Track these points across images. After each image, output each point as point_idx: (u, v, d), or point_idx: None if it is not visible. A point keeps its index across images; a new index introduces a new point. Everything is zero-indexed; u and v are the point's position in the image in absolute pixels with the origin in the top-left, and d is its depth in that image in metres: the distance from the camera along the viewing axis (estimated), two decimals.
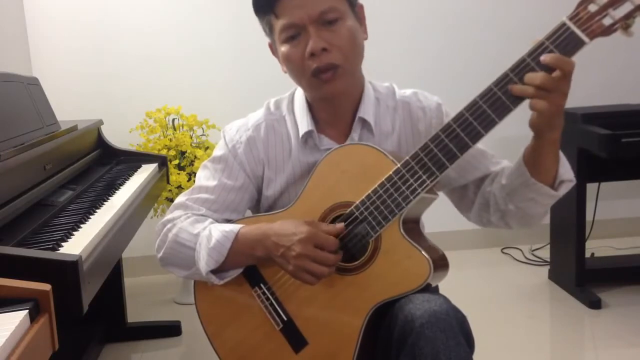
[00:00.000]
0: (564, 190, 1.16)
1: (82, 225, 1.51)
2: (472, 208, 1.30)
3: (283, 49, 1.21)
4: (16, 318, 0.82)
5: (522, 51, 1.05)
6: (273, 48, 1.28)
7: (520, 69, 1.04)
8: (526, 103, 1.06)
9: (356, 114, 1.27)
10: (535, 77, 1.02)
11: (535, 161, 1.13)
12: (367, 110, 1.27)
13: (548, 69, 1.02)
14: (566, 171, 1.16)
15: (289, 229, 1.16)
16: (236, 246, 1.19)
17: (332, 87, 1.20)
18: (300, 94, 1.31)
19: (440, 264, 1.14)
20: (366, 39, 1.25)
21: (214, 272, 1.22)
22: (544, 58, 1.02)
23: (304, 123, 1.28)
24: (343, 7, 1.19)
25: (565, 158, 1.17)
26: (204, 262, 1.20)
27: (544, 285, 2.77)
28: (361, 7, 1.26)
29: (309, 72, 1.19)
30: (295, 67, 1.21)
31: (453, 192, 1.34)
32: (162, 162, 2.40)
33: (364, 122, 1.27)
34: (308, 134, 1.28)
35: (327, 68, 1.18)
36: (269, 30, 1.25)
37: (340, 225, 1.17)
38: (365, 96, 1.28)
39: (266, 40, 1.29)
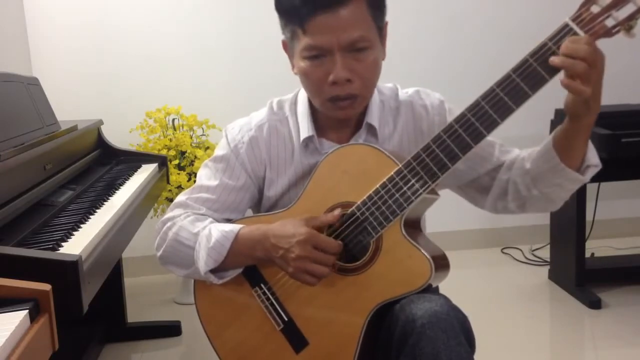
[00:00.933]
0: (590, 174, 1.16)
1: (82, 225, 1.51)
2: (486, 198, 1.29)
3: (303, 64, 1.19)
4: (16, 318, 0.82)
5: (522, 51, 1.05)
6: (287, 47, 1.25)
7: (522, 70, 1.04)
8: (527, 103, 1.05)
9: (361, 118, 1.27)
10: (580, 48, 0.98)
11: (566, 146, 1.12)
12: (373, 116, 1.27)
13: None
14: (593, 156, 1.16)
15: (288, 231, 1.15)
16: (236, 246, 1.19)
17: (346, 114, 1.21)
18: (303, 97, 1.30)
19: (441, 264, 1.14)
20: (384, 58, 1.23)
21: (213, 271, 1.22)
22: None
23: (305, 128, 1.27)
24: (372, 36, 1.16)
25: (591, 143, 1.15)
26: (203, 262, 1.20)
27: (544, 285, 2.77)
28: (386, 25, 1.23)
29: (326, 95, 1.18)
30: (313, 87, 1.20)
31: (464, 187, 1.32)
32: (162, 162, 2.40)
33: (370, 127, 1.27)
34: (308, 139, 1.27)
35: (346, 97, 1.17)
36: (290, 37, 1.21)
37: (337, 212, 1.16)
38: (371, 102, 1.27)
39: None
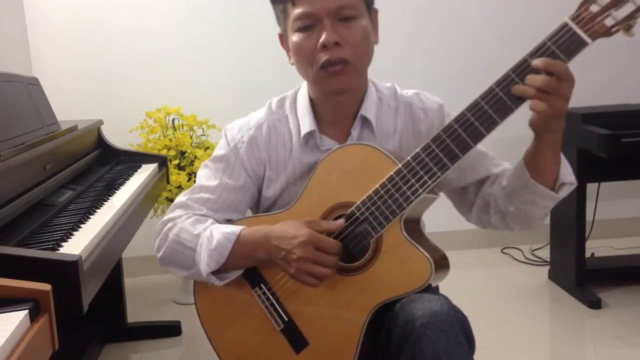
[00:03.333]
0: (564, 192, 1.16)
1: (82, 225, 1.51)
2: (472, 209, 1.30)
3: (295, 38, 1.21)
4: (16, 318, 0.82)
5: (522, 52, 1.05)
6: (283, 38, 1.27)
7: (522, 69, 1.04)
8: (526, 103, 1.05)
9: (358, 112, 1.27)
10: (537, 79, 1.02)
11: (535, 162, 1.13)
12: (369, 109, 1.27)
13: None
14: (567, 173, 1.16)
15: (289, 232, 1.15)
16: (237, 248, 1.19)
17: (339, 81, 1.20)
18: (303, 92, 1.31)
19: (441, 264, 1.14)
20: (377, 43, 1.25)
21: (215, 273, 1.22)
22: (535, 62, 1.02)
23: (306, 123, 1.28)
24: (360, 7, 1.20)
25: (566, 160, 1.16)
26: (204, 263, 1.20)
27: (544, 285, 2.77)
28: (376, 12, 1.26)
29: (318, 63, 1.19)
30: (305, 58, 1.21)
31: (453, 193, 1.34)
32: (162, 162, 2.40)
33: (365, 121, 1.27)
34: (309, 134, 1.27)
35: (337, 62, 1.18)
36: (283, 17, 1.24)
37: (340, 221, 1.17)
38: (367, 95, 1.28)
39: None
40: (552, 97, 1.02)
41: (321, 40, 1.17)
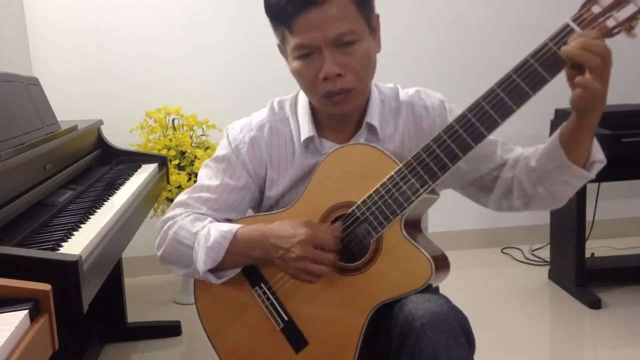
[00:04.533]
0: (595, 170, 1.16)
1: (82, 225, 1.51)
2: (490, 197, 1.29)
3: (295, 64, 1.19)
4: (16, 318, 0.82)
5: (524, 52, 1.05)
6: (282, 50, 1.25)
7: (523, 70, 1.04)
8: (527, 104, 1.05)
9: (361, 119, 1.27)
10: (594, 58, 0.98)
11: (573, 143, 1.11)
12: (373, 115, 1.26)
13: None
14: (598, 151, 1.15)
15: (287, 231, 1.15)
16: (234, 246, 1.19)
17: (343, 108, 1.20)
18: (304, 97, 1.30)
19: (442, 264, 1.14)
20: (379, 51, 1.23)
21: (212, 271, 1.22)
22: (590, 33, 0.98)
23: (306, 128, 1.27)
24: (360, 29, 1.16)
25: (595, 138, 1.15)
26: (201, 261, 1.20)
27: (544, 285, 2.77)
28: (377, 17, 1.23)
29: (320, 92, 1.18)
30: (307, 85, 1.20)
31: (468, 185, 1.32)
32: (162, 162, 2.40)
33: (370, 127, 1.27)
34: (309, 140, 1.27)
35: (340, 92, 1.17)
36: (281, 39, 1.22)
37: (337, 226, 1.17)
38: (371, 101, 1.27)
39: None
40: (605, 75, 1.00)
41: (322, 72, 1.15)
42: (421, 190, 1.11)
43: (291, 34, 1.16)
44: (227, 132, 1.33)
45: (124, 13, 2.95)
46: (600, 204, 2.87)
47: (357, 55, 1.16)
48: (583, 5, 1.01)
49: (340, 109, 1.20)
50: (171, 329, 2.47)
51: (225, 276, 1.22)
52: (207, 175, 1.32)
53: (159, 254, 1.28)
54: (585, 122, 1.09)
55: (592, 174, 1.15)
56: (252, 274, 1.23)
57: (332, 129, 1.29)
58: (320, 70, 1.15)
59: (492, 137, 1.23)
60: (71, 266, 1.18)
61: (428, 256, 1.09)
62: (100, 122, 2.41)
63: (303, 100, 1.31)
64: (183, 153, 2.67)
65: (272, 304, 1.21)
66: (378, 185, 1.14)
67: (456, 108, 1.16)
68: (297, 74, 1.20)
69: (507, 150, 1.28)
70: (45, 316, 0.88)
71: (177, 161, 2.63)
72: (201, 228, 1.23)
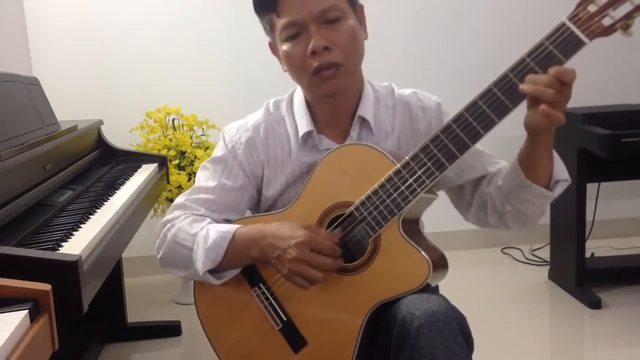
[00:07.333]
0: (559, 190, 1.16)
1: (82, 225, 1.51)
2: (469, 209, 1.31)
3: (284, 47, 1.21)
4: (16, 318, 0.82)
5: (521, 51, 1.05)
6: (273, 47, 1.28)
7: (520, 69, 1.04)
8: (524, 103, 1.06)
9: (355, 114, 1.27)
10: (547, 91, 1.00)
11: (529, 162, 1.13)
12: (366, 109, 1.27)
13: (547, 69, 1.02)
14: (561, 171, 1.16)
15: (286, 232, 1.16)
16: (233, 246, 1.19)
17: (333, 84, 1.20)
18: (299, 94, 1.31)
19: (440, 264, 1.14)
20: (366, 38, 1.25)
21: (212, 272, 1.22)
22: (551, 71, 1.00)
23: (304, 123, 1.28)
24: (344, 6, 1.20)
25: (559, 158, 1.16)
26: (200, 263, 1.20)
27: (544, 285, 2.78)
28: (361, 7, 1.26)
29: (310, 70, 1.19)
30: (296, 66, 1.21)
31: (451, 192, 1.34)
32: (162, 162, 2.40)
33: (363, 121, 1.27)
34: (307, 135, 1.28)
35: (328, 66, 1.18)
36: (270, 29, 1.24)
37: (336, 232, 1.17)
38: (364, 95, 1.28)
39: (266, 39, 1.29)
40: (563, 103, 1.02)
41: (310, 46, 1.17)
42: (419, 190, 1.11)
43: (278, 16, 1.19)
44: (224, 134, 1.34)
45: (124, 13, 2.95)
46: (600, 204, 2.87)
47: (343, 31, 1.18)
48: (579, 4, 1.01)
49: (330, 85, 1.20)
50: (171, 329, 2.47)
51: (224, 277, 1.23)
52: (204, 176, 1.32)
53: (159, 256, 1.29)
54: (538, 142, 1.10)
55: (555, 194, 1.15)
56: (252, 275, 1.24)
57: (328, 124, 1.29)
58: (308, 47, 1.17)
59: (481, 148, 1.26)
60: (71, 266, 1.18)
61: (426, 256, 1.09)
62: (100, 122, 2.41)
63: (299, 97, 1.31)
64: (183, 153, 2.67)
65: (271, 304, 1.22)
66: (376, 185, 1.14)
67: (452, 112, 1.16)
68: (287, 57, 1.21)
69: (491, 163, 1.29)
70: (45, 316, 0.88)
71: (177, 161, 2.63)
72: (200, 229, 1.23)
